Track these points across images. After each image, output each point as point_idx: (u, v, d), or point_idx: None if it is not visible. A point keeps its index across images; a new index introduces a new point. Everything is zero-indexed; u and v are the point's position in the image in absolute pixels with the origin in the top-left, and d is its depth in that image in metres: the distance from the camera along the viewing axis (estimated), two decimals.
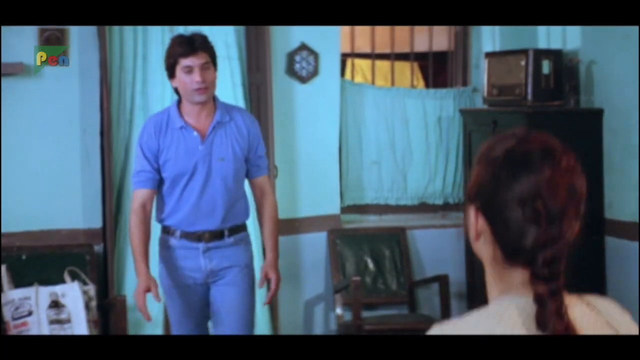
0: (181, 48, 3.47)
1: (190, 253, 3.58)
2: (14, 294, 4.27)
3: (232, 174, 3.58)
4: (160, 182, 3.61)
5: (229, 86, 5.09)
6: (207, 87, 3.50)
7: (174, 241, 3.60)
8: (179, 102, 3.60)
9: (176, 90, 3.58)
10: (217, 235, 3.59)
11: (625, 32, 4.55)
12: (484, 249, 1.34)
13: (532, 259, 1.28)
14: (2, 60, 4.54)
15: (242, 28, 5.16)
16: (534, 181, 1.28)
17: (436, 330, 1.28)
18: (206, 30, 5.08)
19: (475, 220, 1.33)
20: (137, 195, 3.60)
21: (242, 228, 3.69)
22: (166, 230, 3.65)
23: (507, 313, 1.27)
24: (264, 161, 3.73)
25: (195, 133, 3.55)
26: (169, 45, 3.58)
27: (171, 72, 3.52)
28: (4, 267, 4.42)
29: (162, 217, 3.63)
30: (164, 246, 3.65)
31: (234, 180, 3.60)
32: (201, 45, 3.50)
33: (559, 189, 1.28)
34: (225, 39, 5.09)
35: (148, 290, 3.46)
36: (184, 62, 3.46)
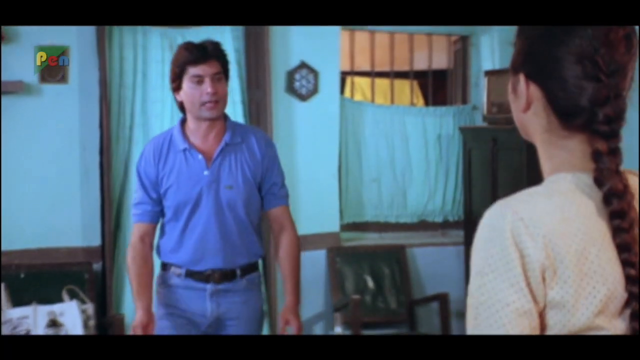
0: (191, 55, 3.03)
1: (195, 294, 3.12)
2: (12, 313, 4.25)
3: (242, 203, 3.12)
4: (162, 213, 3.20)
5: (229, 104, 5.09)
6: (219, 100, 3.05)
7: (176, 280, 3.15)
8: (184, 122, 3.17)
9: (181, 107, 3.14)
10: (228, 275, 3.14)
11: None
12: (534, 120, 1.32)
13: (591, 119, 1.26)
14: (3, 79, 4.55)
15: (242, 46, 5.17)
16: (591, 34, 1.27)
17: (502, 210, 1.24)
18: None
19: (526, 88, 1.31)
20: (135, 229, 3.20)
21: (255, 267, 3.26)
22: (168, 268, 3.19)
23: (562, 186, 1.26)
24: (282, 189, 3.24)
25: (200, 156, 3.09)
26: (175, 53, 3.11)
27: (176, 83, 3.07)
28: (2, 286, 4.41)
29: (164, 252, 3.20)
30: (164, 285, 3.19)
31: (245, 210, 3.13)
32: (214, 53, 3.06)
33: (618, 41, 1.27)
34: None
35: (146, 326, 3.01)
36: (193, 70, 3.02)
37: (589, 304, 1.21)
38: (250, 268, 3.20)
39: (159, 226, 3.25)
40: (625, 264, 1.22)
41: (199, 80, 3.02)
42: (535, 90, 1.31)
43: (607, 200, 1.24)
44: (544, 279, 1.21)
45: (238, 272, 3.15)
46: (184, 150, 3.11)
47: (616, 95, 1.26)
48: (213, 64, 3.04)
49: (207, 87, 3.01)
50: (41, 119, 4.72)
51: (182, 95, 3.07)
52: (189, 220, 3.11)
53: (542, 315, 1.22)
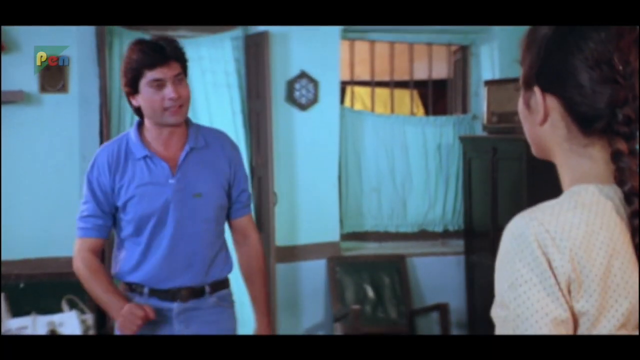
0: (147, 57, 2.70)
1: (160, 315, 2.78)
2: (11, 324, 4.25)
3: (212, 212, 2.84)
4: (109, 228, 2.87)
5: (229, 114, 5.11)
6: (182, 104, 2.75)
7: (138, 299, 2.81)
8: (140, 125, 2.85)
9: (138, 112, 2.82)
10: (197, 292, 2.83)
11: None
12: (552, 132, 1.32)
13: (610, 121, 1.27)
14: (3, 88, 4.55)
15: (242, 56, 5.18)
16: (604, 38, 1.27)
17: (527, 221, 1.23)
18: (205, 58, 5.13)
19: (543, 100, 1.31)
20: (81, 244, 2.82)
21: (226, 284, 2.94)
22: (129, 288, 2.85)
23: (586, 199, 1.26)
24: (248, 197, 2.98)
25: (163, 163, 2.79)
26: (127, 53, 2.76)
27: (132, 88, 2.74)
28: (2, 296, 4.40)
29: (124, 272, 2.85)
30: None
31: (215, 220, 2.86)
32: (173, 53, 2.74)
33: (631, 44, 1.28)
34: (225, 67, 5.12)
35: (141, 310, 2.69)
36: (152, 74, 2.70)
37: (611, 317, 1.22)
38: (221, 285, 2.90)
39: (113, 247, 2.94)
40: None
41: (159, 84, 2.70)
42: (552, 101, 1.31)
43: (628, 199, 1.25)
44: (569, 292, 1.21)
45: (207, 289, 2.85)
46: (145, 157, 2.79)
47: (634, 96, 1.27)
48: (173, 65, 2.72)
49: (169, 91, 2.70)
50: (41, 128, 4.72)
51: (140, 101, 2.75)
52: (154, 235, 2.79)
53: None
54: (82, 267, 2.81)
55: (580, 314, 1.22)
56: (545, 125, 1.32)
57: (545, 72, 1.31)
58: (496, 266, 1.26)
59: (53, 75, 4.69)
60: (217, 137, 2.91)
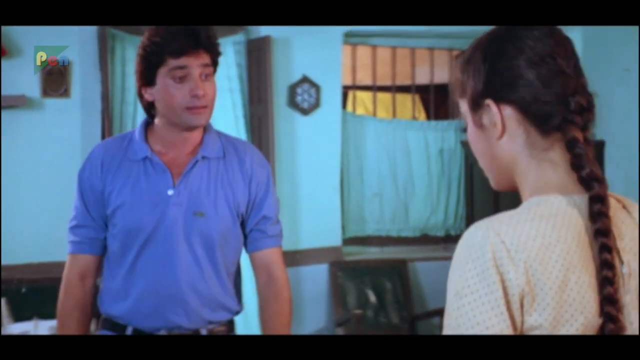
0: (174, 41, 2.18)
1: None
2: (13, 329, 4.24)
3: (216, 237, 2.28)
4: (104, 242, 2.34)
5: (232, 118, 5.12)
6: (208, 104, 2.24)
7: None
8: (147, 124, 2.35)
9: (148, 108, 2.31)
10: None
11: (626, 66, 4.56)
12: (511, 142, 1.29)
13: (565, 113, 1.27)
14: (4, 93, 4.56)
15: (244, 61, 5.18)
16: (539, 34, 1.29)
17: (484, 231, 1.22)
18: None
19: (499, 111, 1.29)
20: (71, 263, 2.33)
21: (230, 327, 2.37)
22: (108, 324, 2.32)
23: (544, 210, 1.24)
24: (274, 226, 2.38)
25: (165, 169, 2.27)
26: (148, 35, 2.23)
27: (147, 78, 2.24)
28: (3, 301, 4.40)
29: (103, 301, 2.33)
30: None
31: (219, 247, 2.29)
32: (207, 42, 2.22)
33: (564, 41, 1.30)
34: (227, 72, 5.12)
35: None
36: (177, 62, 2.19)
37: (565, 332, 1.20)
38: (224, 329, 2.34)
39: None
40: (604, 280, 1.21)
41: (183, 75, 2.20)
42: (507, 110, 1.29)
43: (587, 184, 1.24)
44: (522, 305, 1.19)
45: (204, 333, 2.29)
46: (144, 159, 2.28)
47: (583, 86, 1.29)
48: (203, 56, 2.22)
49: (194, 86, 2.20)
50: (43, 133, 4.72)
51: (155, 94, 2.24)
52: (140, 255, 2.26)
53: None
54: (61, 303, 2.32)
55: (533, 327, 1.19)
56: (503, 138, 1.30)
57: (494, 82, 1.29)
58: (449, 274, 1.24)
59: (55, 79, 4.70)
60: (238, 149, 2.37)
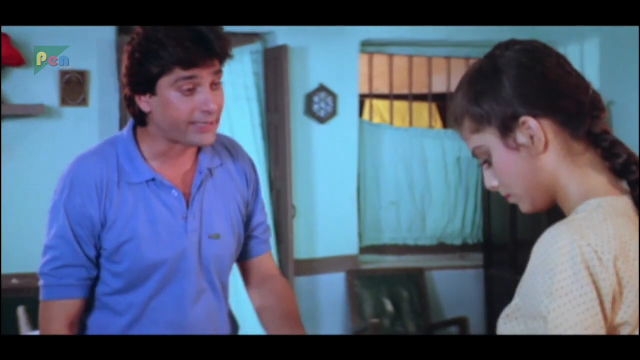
0: (184, 51, 1.82)
1: None
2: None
3: (229, 260, 2.05)
4: (93, 282, 1.97)
5: (249, 126, 5.13)
6: (217, 119, 1.91)
7: None
8: (135, 132, 1.98)
9: (140, 116, 1.93)
10: None
11: None
12: (552, 155, 1.30)
13: (591, 110, 1.31)
14: (23, 102, 4.59)
15: (261, 69, 5.20)
16: (544, 47, 1.34)
17: (570, 235, 1.22)
18: (224, 71, 5.13)
19: (540, 126, 1.29)
20: (56, 310, 1.98)
21: None
22: None
23: (608, 211, 1.26)
24: (267, 229, 2.17)
25: (176, 192, 1.95)
26: (145, 36, 1.85)
27: (147, 85, 1.86)
28: (21, 309, 4.42)
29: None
30: None
31: (229, 269, 2.07)
32: (220, 49, 1.87)
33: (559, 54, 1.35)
34: (244, 80, 5.14)
35: None
36: (185, 72, 1.83)
37: None
38: None
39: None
40: None
41: (192, 87, 1.85)
42: (543, 122, 1.30)
43: (626, 170, 1.28)
44: (612, 304, 1.22)
45: None
46: (148, 181, 1.93)
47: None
48: (214, 63, 1.88)
49: (205, 99, 1.86)
50: (61, 141, 4.75)
51: (153, 105, 1.88)
52: (156, 294, 1.94)
53: None
54: None
55: (619, 325, 1.22)
56: (546, 152, 1.30)
57: (527, 98, 1.30)
58: (527, 278, 1.24)
59: (73, 88, 4.73)
60: (230, 151, 2.09)
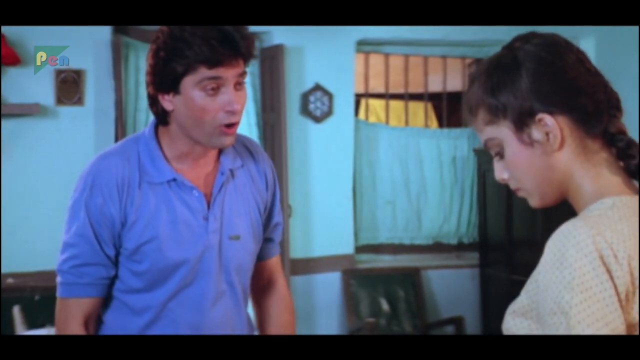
0: (209, 49, 1.82)
1: None
2: None
3: (249, 261, 2.07)
4: (112, 280, 1.99)
5: (245, 126, 5.12)
6: (240, 119, 1.92)
7: None
8: (156, 131, 1.99)
9: (162, 115, 1.94)
10: None
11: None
12: (567, 152, 1.30)
13: (608, 108, 1.30)
14: (19, 101, 4.58)
15: (257, 69, 5.20)
16: (565, 43, 1.33)
17: (586, 230, 1.21)
18: None
19: (556, 122, 1.28)
20: (73, 308, 1.96)
21: None
22: None
23: (622, 209, 1.26)
24: (281, 230, 2.19)
25: (197, 192, 1.96)
26: (170, 34, 1.86)
27: (171, 84, 1.87)
28: (17, 308, 4.42)
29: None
30: None
31: (249, 271, 2.08)
32: (246, 49, 1.87)
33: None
34: None
35: None
36: (210, 72, 1.84)
37: None
38: None
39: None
40: None
41: (216, 87, 1.86)
42: (560, 119, 1.29)
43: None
44: (627, 302, 1.21)
45: None
46: (170, 182, 1.95)
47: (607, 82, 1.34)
48: (239, 63, 1.88)
49: (230, 100, 1.86)
50: (57, 141, 4.74)
51: (177, 104, 1.89)
52: (176, 295, 1.96)
53: None
54: None
55: (631, 325, 1.22)
56: (561, 149, 1.29)
57: (545, 95, 1.28)
58: (542, 273, 1.23)
59: (69, 88, 4.72)
60: (250, 151, 2.09)
